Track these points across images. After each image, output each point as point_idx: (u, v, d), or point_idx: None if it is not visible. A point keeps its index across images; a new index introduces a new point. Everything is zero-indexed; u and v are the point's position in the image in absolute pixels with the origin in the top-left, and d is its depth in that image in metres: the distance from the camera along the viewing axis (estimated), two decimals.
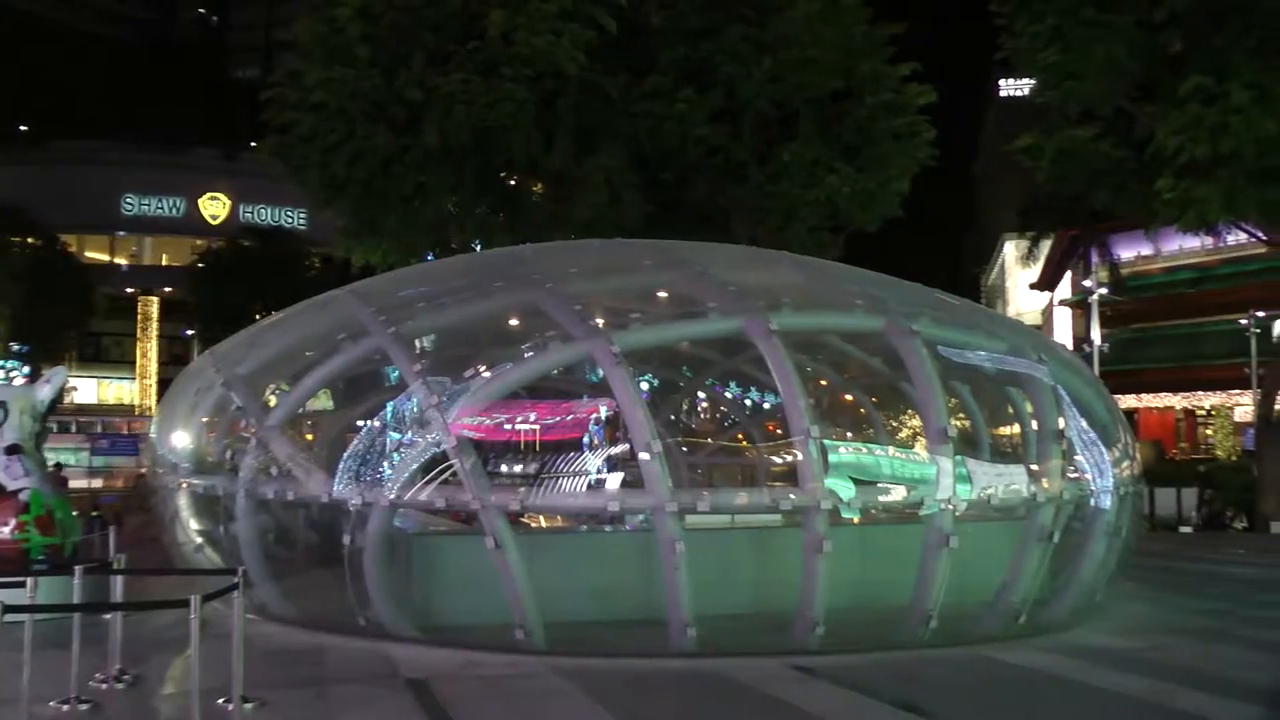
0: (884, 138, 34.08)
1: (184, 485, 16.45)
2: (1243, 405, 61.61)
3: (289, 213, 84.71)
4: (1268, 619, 16.34)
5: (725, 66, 31.64)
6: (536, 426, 21.09)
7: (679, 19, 32.02)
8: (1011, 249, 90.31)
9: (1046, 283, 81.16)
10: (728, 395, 23.00)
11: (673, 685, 11.29)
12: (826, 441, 12.85)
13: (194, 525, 16.44)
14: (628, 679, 11.44)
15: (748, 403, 22.44)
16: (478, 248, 34.08)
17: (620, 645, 12.70)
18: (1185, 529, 37.34)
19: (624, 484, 14.91)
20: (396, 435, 14.08)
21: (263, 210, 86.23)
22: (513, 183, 35.34)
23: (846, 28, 33.28)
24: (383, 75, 30.11)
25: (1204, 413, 71.54)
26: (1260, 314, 51.91)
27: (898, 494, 13.25)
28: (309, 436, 18.34)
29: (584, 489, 15.43)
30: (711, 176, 33.10)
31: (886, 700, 10.44)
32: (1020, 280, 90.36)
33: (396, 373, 14.70)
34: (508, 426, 20.38)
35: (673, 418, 22.51)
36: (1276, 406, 39.64)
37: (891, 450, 14.62)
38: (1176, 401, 71.73)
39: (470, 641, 12.66)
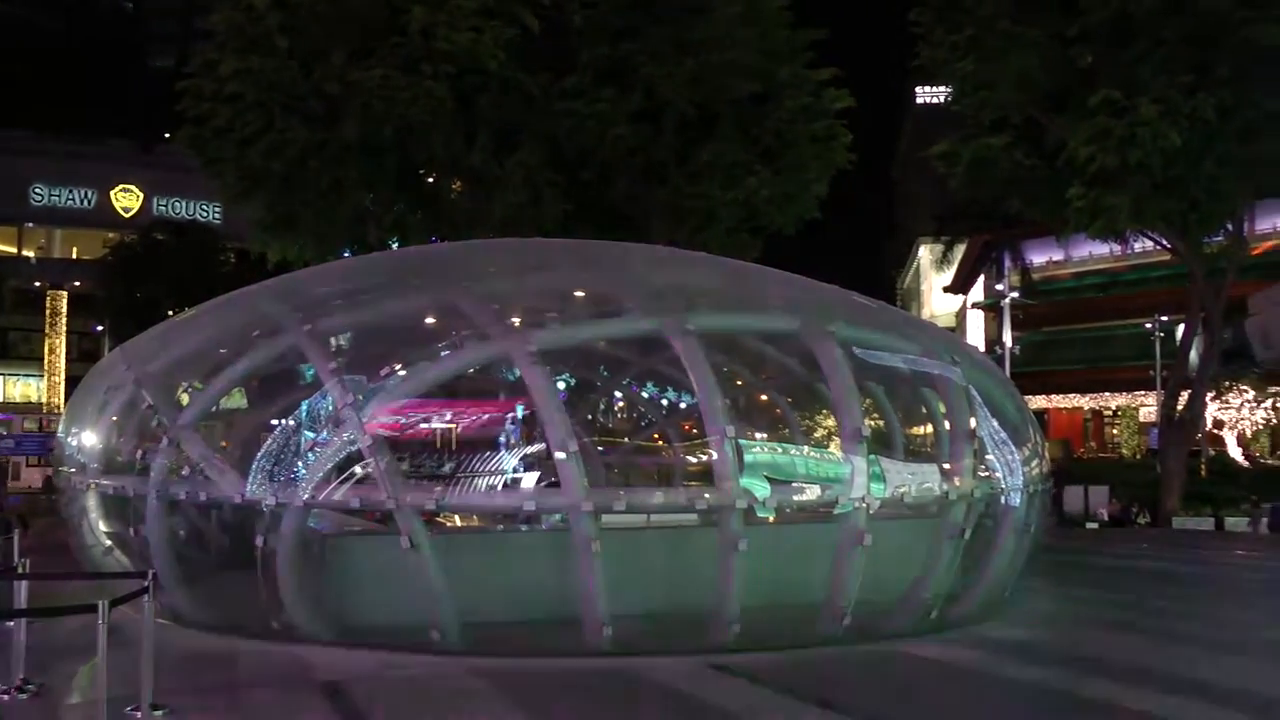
0: (802, 141, 34.36)
1: (93, 486, 16.14)
2: (1148, 406, 63.00)
3: (204, 206, 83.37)
4: (1169, 610, 17.00)
5: (646, 67, 31.71)
6: (453, 425, 21.04)
7: (601, 18, 32.02)
8: (926, 253, 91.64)
9: (960, 286, 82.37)
10: (644, 395, 23.06)
11: (589, 685, 11.30)
12: (742, 441, 12.94)
13: (103, 527, 16.12)
14: (544, 679, 11.45)
15: (664, 402, 22.49)
16: (395, 245, 33.89)
17: (537, 645, 12.70)
18: (1092, 525, 38.08)
19: (540, 483, 14.89)
20: (311, 434, 13.95)
21: (177, 203, 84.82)
22: (432, 180, 35.18)
23: (767, 31, 33.53)
24: (301, 67, 29.81)
25: (1111, 413, 73.05)
26: (1165, 318, 53.11)
27: (813, 493, 13.36)
28: (222, 437, 18.09)
29: (500, 488, 15.45)
30: (631, 177, 33.16)
31: (802, 697, 10.55)
32: (935, 283, 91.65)
33: (312, 371, 14.53)
34: (424, 425, 20.31)
35: (589, 417, 22.53)
36: (1179, 407, 40.59)
37: (807, 450, 14.80)
38: (1085, 402, 73.19)
39: (387, 643, 12.57)
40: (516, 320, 14.49)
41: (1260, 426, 60.15)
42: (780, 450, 13.94)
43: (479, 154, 31.68)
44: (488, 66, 29.65)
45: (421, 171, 34.34)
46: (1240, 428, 59.47)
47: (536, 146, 31.95)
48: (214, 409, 16.32)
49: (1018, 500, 15.08)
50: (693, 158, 33.03)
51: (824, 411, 19.70)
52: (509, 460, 18.26)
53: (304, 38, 29.83)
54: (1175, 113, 31.30)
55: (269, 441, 13.91)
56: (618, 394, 23.97)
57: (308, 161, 30.71)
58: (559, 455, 12.46)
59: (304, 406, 14.53)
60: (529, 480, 16.27)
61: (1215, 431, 58.00)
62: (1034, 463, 15.94)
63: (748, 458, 12.75)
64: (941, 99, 57.16)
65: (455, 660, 12.05)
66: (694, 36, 32.05)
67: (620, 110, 31.49)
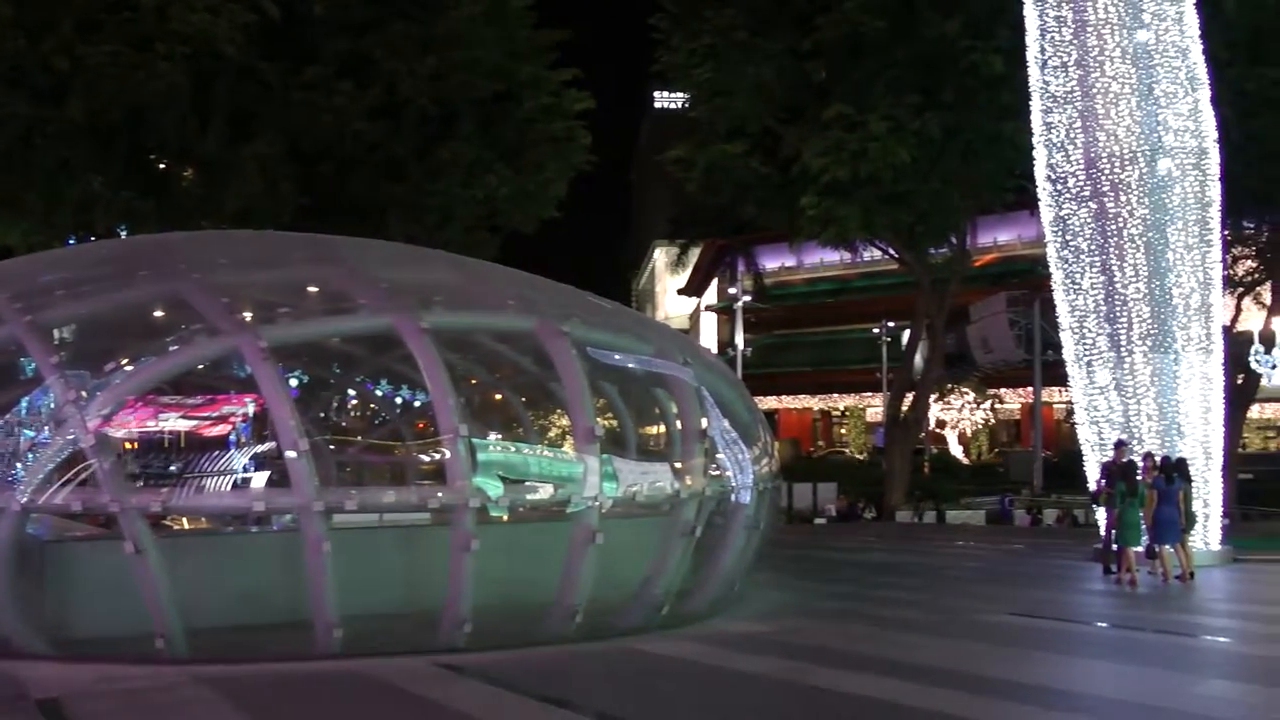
0: (542, 141, 34.62)
1: None
2: (874, 407, 65.71)
3: None
4: (890, 598, 17.86)
5: (387, 62, 31.34)
6: (180, 424, 20.33)
7: (342, 10, 31.56)
8: (662, 255, 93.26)
9: (695, 289, 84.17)
10: (378, 393, 22.74)
11: (318, 688, 11.09)
12: (475, 440, 12.92)
13: None
14: (272, 683, 11.17)
15: (398, 401, 22.23)
16: (124, 233, 32.49)
17: (265, 649, 12.39)
18: (820, 520, 39.45)
19: (270, 483, 14.55)
20: (30, 433, 13.26)
21: None
22: (163, 166, 33.90)
23: (510, 31, 33.61)
24: (27, 38, 28.21)
25: (839, 413, 75.96)
26: (891, 324, 55.55)
27: (546, 492, 13.42)
28: None
29: (229, 488, 15.02)
30: (369, 172, 32.73)
31: (533, 695, 10.58)
32: (670, 286, 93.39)
33: (33, 365, 13.81)
34: (150, 424, 19.56)
35: (321, 415, 22.06)
36: (904, 408, 42.54)
37: (540, 449, 14.87)
38: (814, 403, 75.93)
39: (108, 654, 12.03)
40: (248, 315, 14.12)
41: (979, 426, 63.81)
42: (514, 449, 13.98)
43: (213, 141, 30.75)
44: (224, 51, 28.78)
45: (153, 157, 33.08)
46: (961, 427, 63.00)
47: (273, 137, 31.21)
48: None
49: (748, 498, 15.50)
50: (432, 155, 32.83)
51: (558, 411, 19.85)
52: (239, 460, 17.78)
53: (31, 6, 28.24)
54: (904, 130, 32.89)
55: None
56: (351, 392, 23.55)
57: (32, 139, 29.15)
58: (290, 454, 12.20)
59: (23, 403, 13.80)
60: (259, 480, 15.87)
61: (938, 431, 61.22)
62: (764, 461, 16.43)
63: (481, 456, 12.74)
64: (680, 104, 58.21)
65: (180, 669, 11.61)
66: (436, 34, 31.87)
67: (359, 104, 31.04)
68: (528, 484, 13.25)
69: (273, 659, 12.11)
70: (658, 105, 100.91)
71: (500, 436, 16.84)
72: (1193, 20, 21.96)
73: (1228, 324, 28.35)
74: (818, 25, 34.07)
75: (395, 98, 32.20)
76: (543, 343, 14.27)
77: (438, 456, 14.24)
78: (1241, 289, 37.66)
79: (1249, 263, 37.77)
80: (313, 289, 15.67)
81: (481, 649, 12.47)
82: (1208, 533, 21.89)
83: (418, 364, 13.35)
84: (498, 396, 21.64)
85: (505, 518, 13.42)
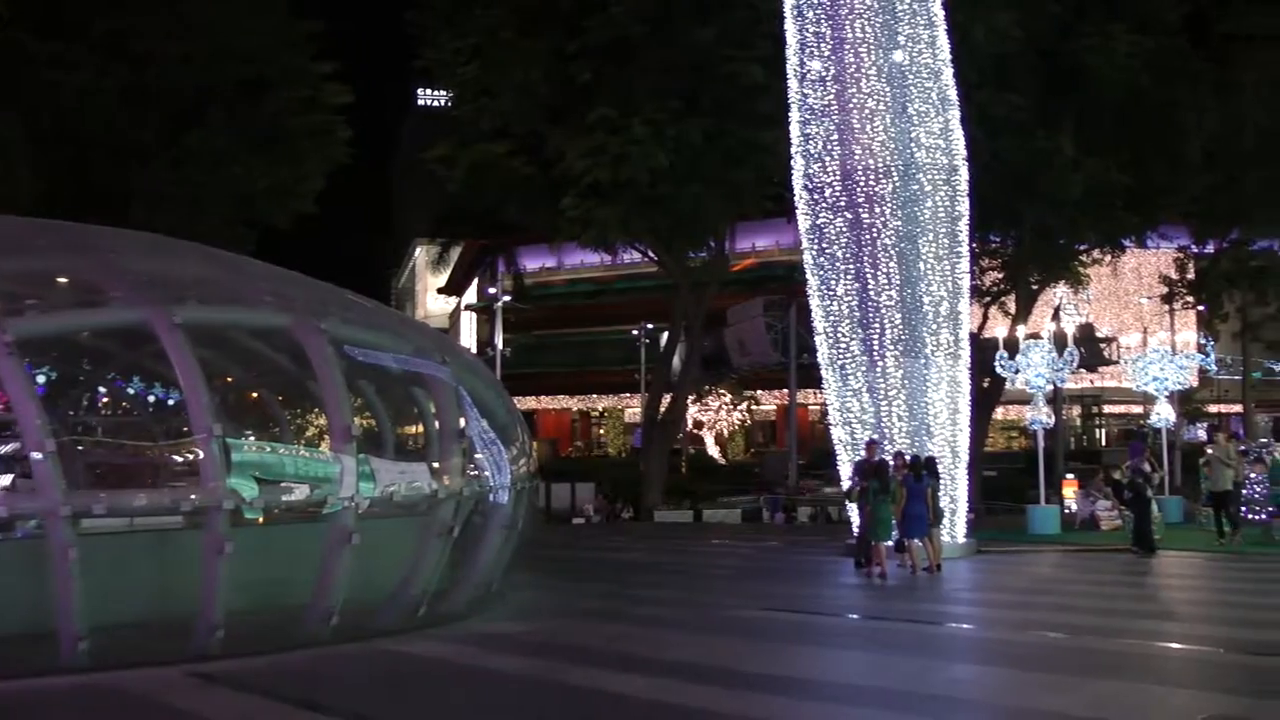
0: (299, 134, 33.85)
1: None
2: (632, 408, 66.55)
3: None
4: (646, 597, 18.15)
5: (138, 42, 30.13)
6: None
7: None
8: (423, 254, 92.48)
9: (455, 288, 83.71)
10: (130, 391, 21.86)
11: (61, 704, 10.58)
12: (230, 440, 12.60)
13: None
14: (9, 701, 10.61)
15: (151, 399, 21.42)
16: None
17: (3, 664, 11.74)
18: (579, 520, 39.71)
19: (13, 486, 13.86)
20: None
21: None
22: None
23: (267, 20, 32.77)
24: None
25: (598, 414, 76.62)
26: (650, 326, 56.35)
27: (302, 493, 13.20)
28: None
29: None
30: (112, 157, 31.40)
31: (287, 700, 10.40)
32: (430, 284, 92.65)
33: None
34: None
35: (70, 414, 21.09)
36: (662, 409, 43.21)
37: (296, 449, 14.59)
38: (573, 403, 76.45)
39: None
40: None
41: (736, 427, 65.34)
42: (269, 449, 13.70)
43: None
44: None
45: None
46: (718, 428, 64.40)
47: (11, 118, 29.64)
48: None
49: (505, 498, 15.58)
50: (180, 142, 31.73)
51: (315, 410, 19.47)
52: None
53: None
54: (664, 135, 33.42)
55: None
56: (101, 389, 22.58)
57: None
58: (35, 455, 11.65)
59: None
60: (1, 482, 15.10)
61: (695, 431, 62.46)
62: (522, 461, 16.50)
63: (235, 457, 12.43)
64: (444, 102, 57.83)
65: None
66: (190, 17, 30.82)
67: (106, 85, 29.76)
68: (283, 484, 13.00)
69: (11, 675, 11.46)
70: (421, 102, 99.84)
71: (255, 436, 16.43)
72: (945, 45, 22.99)
73: (975, 331, 29.79)
74: (584, 27, 34.31)
75: (142, 80, 31.00)
76: (299, 340, 13.99)
77: (191, 457, 13.80)
78: (989, 298, 39.91)
79: (995, 274, 40.09)
80: (61, 280, 14.97)
81: (235, 655, 12.12)
82: (954, 527, 22.94)
83: (171, 360, 12.90)
84: (253, 395, 21.09)
85: (260, 519, 13.12)
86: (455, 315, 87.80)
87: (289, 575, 13.36)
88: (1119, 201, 35.47)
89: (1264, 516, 24.90)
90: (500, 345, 52.79)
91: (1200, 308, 49.70)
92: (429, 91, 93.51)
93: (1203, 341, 38.72)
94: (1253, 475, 25.64)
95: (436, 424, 15.70)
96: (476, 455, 15.31)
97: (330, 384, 13.56)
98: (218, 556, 12.09)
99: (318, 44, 34.50)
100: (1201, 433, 53.24)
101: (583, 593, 18.59)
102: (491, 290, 61.86)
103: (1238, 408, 55.38)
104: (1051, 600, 17.42)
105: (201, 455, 12.46)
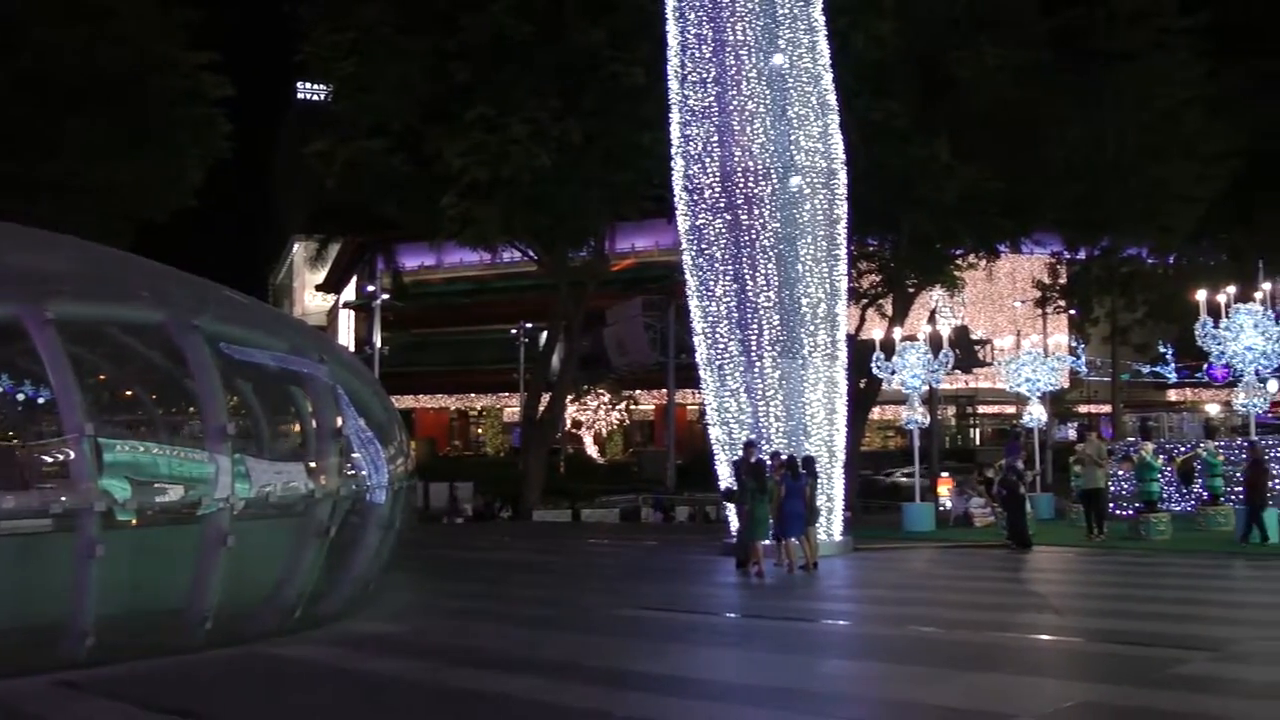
0: (178, 126, 33.21)
1: None
2: (511, 407, 66.43)
3: None
4: (525, 596, 18.29)
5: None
6: None
7: None
8: (301, 250, 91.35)
9: (333, 286, 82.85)
10: None
11: None
12: (102, 439, 12.31)
13: None
14: None
15: (19, 397, 20.84)
16: None
17: None
18: (457, 519, 39.60)
19: None
20: None
21: None
22: None
23: (139, 6, 32.09)
24: None
25: (476, 413, 76.37)
26: (529, 325, 56.30)
27: (176, 493, 12.97)
28: None
29: None
30: None
31: (159, 708, 10.17)
32: (308, 281, 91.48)
33: None
34: None
35: None
36: (541, 408, 43.20)
37: (171, 448, 14.31)
38: (451, 403, 76.08)
39: None
40: None
41: (614, 427, 65.55)
42: (142, 449, 13.41)
43: None
44: None
45: None
46: (597, 428, 64.55)
47: None
48: None
49: (383, 498, 15.45)
50: (56, 131, 30.93)
51: (190, 409, 19.10)
52: None
53: None
54: (544, 135, 33.41)
55: None
56: None
57: None
58: None
59: None
60: None
61: (574, 431, 62.53)
62: (399, 461, 16.38)
63: (108, 457, 12.16)
64: (323, 97, 57.08)
65: None
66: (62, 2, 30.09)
67: None
68: (157, 485, 12.75)
69: None
70: (301, 96, 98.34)
71: (129, 435, 16.07)
72: (825, 50, 23.36)
73: (852, 332, 30.28)
74: (464, 25, 34.17)
75: (20, 64, 30.18)
76: (174, 337, 13.73)
77: (61, 457, 13.45)
78: (866, 301, 40.61)
79: (873, 277, 40.76)
80: None
81: (106, 662, 11.82)
82: (831, 525, 23.30)
83: (41, 358, 12.57)
84: (127, 393, 20.64)
85: (134, 521, 12.84)
86: (333, 313, 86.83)
87: (162, 578, 13.09)
88: (994, 208, 36.36)
89: (1131, 513, 25.72)
90: (378, 343, 52.35)
91: (1072, 312, 51.27)
92: (309, 86, 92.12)
93: (1074, 344, 39.92)
94: (1120, 473, 26.52)
95: (313, 423, 15.53)
96: (354, 455, 15.17)
97: (205, 382, 13.35)
98: (89, 560, 11.80)
99: (195, 33, 33.89)
100: (1072, 432, 54.94)
101: (461, 593, 18.57)
102: (370, 288, 61.29)
103: (1107, 408, 56.94)
104: (926, 595, 17.84)
105: (73, 455, 12.17)
